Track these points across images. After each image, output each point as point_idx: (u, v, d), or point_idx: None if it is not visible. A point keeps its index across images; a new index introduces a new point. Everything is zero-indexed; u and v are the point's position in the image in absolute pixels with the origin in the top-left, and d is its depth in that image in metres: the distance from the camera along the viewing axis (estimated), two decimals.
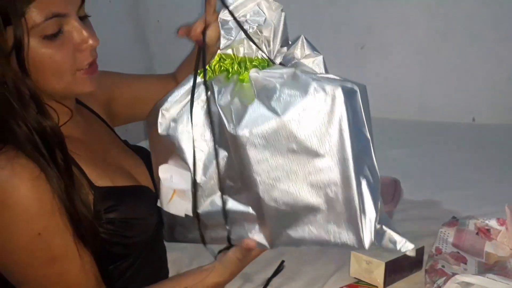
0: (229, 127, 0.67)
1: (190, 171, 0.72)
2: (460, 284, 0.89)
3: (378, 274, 0.94)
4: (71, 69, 0.71)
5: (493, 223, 1.09)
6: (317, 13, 2.19)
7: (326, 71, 0.77)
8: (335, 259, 1.07)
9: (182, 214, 0.76)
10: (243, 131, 0.66)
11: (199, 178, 0.73)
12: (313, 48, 0.79)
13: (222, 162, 0.71)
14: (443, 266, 0.95)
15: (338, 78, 0.70)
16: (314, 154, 0.65)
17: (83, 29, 0.71)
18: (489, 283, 0.85)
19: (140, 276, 0.84)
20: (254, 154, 0.66)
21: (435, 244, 1.06)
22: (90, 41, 0.71)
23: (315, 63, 0.77)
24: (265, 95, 0.67)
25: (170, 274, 1.03)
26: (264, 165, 0.66)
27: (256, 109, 0.66)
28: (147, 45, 2.58)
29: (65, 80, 0.72)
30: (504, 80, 1.96)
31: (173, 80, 0.99)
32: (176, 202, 0.76)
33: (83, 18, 0.73)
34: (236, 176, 0.70)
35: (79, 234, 0.72)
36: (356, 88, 0.69)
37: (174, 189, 0.75)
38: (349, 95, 0.66)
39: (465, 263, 0.99)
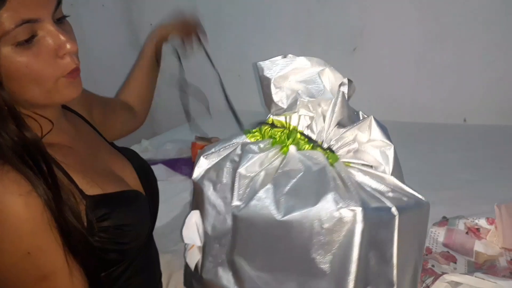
0: (233, 202, 0.63)
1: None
2: (449, 283, 0.89)
3: None
4: (52, 76, 0.67)
5: (482, 222, 1.10)
6: (309, 15, 2.20)
7: (397, 169, 0.66)
8: None
9: (192, 266, 0.75)
10: (243, 214, 0.62)
11: (211, 245, 0.69)
12: (385, 134, 0.68)
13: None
14: (433, 266, 0.96)
15: (399, 191, 0.61)
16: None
17: (60, 33, 0.65)
18: (477, 282, 0.86)
19: (134, 281, 0.84)
20: (242, 241, 0.62)
21: (425, 244, 1.06)
22: (68, 46, 0.66)
23: (383, 153, 0.66)
24: (285, 181, 0.62)
25: (162, 277, 1.03)
26: (251, 257, 0.63)
27: (263, 197, 0.61)
28: (141, 49, 2.57)
29: (46, 88, 0.67)
30: (494, 81, 1.98)
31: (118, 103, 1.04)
32: (193, 253, 0.76)
33: (61, 19, 0.68)
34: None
35: (70, 246, 0.70)
36: (395, 213, 0.58)
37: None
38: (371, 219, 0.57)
39: (455, 262, 1.00)
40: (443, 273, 0.90)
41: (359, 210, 0.57)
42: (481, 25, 1.93)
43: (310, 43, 2.24)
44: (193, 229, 0.75)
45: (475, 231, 1.09)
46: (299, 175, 0.62)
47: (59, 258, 0.69)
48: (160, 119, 2.52)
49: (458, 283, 0.89)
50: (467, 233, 1.09)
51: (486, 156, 1.66)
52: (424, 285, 0.89)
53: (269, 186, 0.62)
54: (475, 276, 0.86)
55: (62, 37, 0.65)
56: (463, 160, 1.63)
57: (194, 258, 0.76)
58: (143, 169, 0.92)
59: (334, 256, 0.57)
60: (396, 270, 0.61)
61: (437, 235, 1.10)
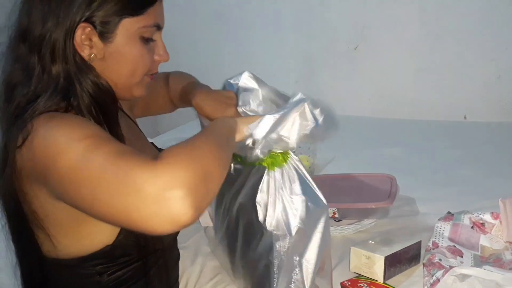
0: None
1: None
2: (457, 276, 0.91)
3: (378, 268, 0.96)
4: (143, 72, 0.80)
5: (487, 217, 1.12)
6: (310, 14, 2.22)
7: None
8: (335, 254, 1.09)
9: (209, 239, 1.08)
10: None
11: None
12: None
13: None
14: (440, 260, 0.98)
15: None
16: None
17: (164, 45, 0.82)
18: (486, 274, 0.88)
19: (154, 278, 0.87)
20: None
21: (431, 239, 1.08)
22: (165, 57, 0.82)
23: None
24: None
25: None
26: None
27: None
28: None
29: (135, 79, 0.80)
30: (494, 79, 2.00)
31: (165, 82, 1.07)
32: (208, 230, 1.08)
33: None
34: None
35: None
36: None
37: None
38: None
39: (461, 256, 1.02)
40: (451, 267, 0.92)
41: None
42: (481, 23, 1.96)
43: (311, 42, 2.26)
44: (206, 214, 1.02)
45: (480, 226, 1.11)
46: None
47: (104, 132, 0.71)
48: (164, 118, 2.53)
49: (465, 276, 0.92)
50: (472, 227, 1.11)
51: (487, 152, 1.69)
52: (434, 278, 0.91)
53: None
54: (484, 269, 0.88)
55: (164, 48, 0.82)
56: (465, 156, 1.65)
57: (209, 233, 1.07)
58: None
59: None
60: None
61: (443, 229, 1.11)
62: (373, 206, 1.17)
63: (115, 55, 0.76)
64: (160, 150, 0.98)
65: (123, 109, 0.93)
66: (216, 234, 1.02)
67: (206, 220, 1.04)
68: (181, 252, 1.16)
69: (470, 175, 1.49)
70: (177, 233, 0.94)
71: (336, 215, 1.19)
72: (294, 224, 0.81)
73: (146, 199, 0.57)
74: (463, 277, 0.91)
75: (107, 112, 0.76)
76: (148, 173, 0.58)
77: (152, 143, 1.00)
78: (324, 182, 1.38)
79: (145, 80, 0.82)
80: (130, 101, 0.98)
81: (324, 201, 0.86)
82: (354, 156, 1.68)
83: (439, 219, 1.16)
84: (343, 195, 1.26)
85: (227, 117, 0.81)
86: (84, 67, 0.74)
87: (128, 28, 0.75)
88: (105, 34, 0.74)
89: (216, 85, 1.13)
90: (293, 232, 0.81)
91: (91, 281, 0.79)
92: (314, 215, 0.84)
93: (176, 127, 2.19)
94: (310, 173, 1.51)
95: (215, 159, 0.65)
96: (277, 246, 0.82)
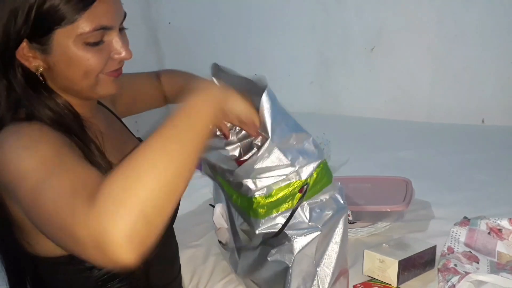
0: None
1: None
2: (473, 282, 0.90)
3: (391, 272, 0.95)
4: (96, 73, 0.76)
5: (504, 223, 1.10)
6: (327, 15, 2.21)
7: None
8: (348, 257, 1.08)
9: (223, 241, 1.07)
10: None
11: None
12: None
13: None
14: (455, 265, 0.96)
15: None
16: None
17: (121, 42, 0.76)
18: (503, 282, 0.86)
19: (151, 271, 0.86)
20: None
21: (447, 244, 1.07)
22: (123, 54, 0.76)
23: None
24: None
25: (185, 272, 1.05)
26: None
27: None
28: (159, 47, 2.60)
29: (90, 81, 0.76)
30: None
31: (157, 81, 1.08)
32: (221, 232, 1.07)
33: (121, 30, 0.79)
34: None
35: None
36: None
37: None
38: None
39: (477, 262, 1.00)
40: (467, 273, 0.90)
41: None
42: (500, 25, 1.92)
43: (327, 42, 2.25)
44: (219, 216, 1.05)
45: (497, 232, 1.09)
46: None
47: (65, 149, 0.69)
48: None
49: (481, 282, 0.90)
50: (489, 233, 1.09)
51: (505, 157, 1.65)
52: (449, 283, 0.90)
53: None
54: (501, 276, 0.86)
55: (122, 46, 0.76)
56: (482, 161, 1.62)
57: (223, 235, 1.06)
58: None
59: None
60: None
61: (459, 235, 1.10)
62: (387, 209, 1.16)
63: (60, 63, 0.74)
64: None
65: (104, 104, 0.94)
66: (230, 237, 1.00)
67: (219, 221, 1.04)
68: (192, 251, 1.17)
69: (487, 179, 1.47)
70: (171, 224, 0.94)
71: (350, 217, 1.18)
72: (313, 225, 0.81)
73: (85, 244, 0.54)
74: (479, 284, 0.89)
75: (69, 127, 0.75)
76: (83, 217, 0.54)
77: (139, 138, 0.99)
78: None
79: (105, 79, 0.77)
80: (111, 96, 0.97)
81: (343, 202, 0.85)
82: (369, 158, 1.67)
83: (455, 224, 1.14)
84: (357, 198, 1.25)
85: (209, 88, 0.70)
86: (32, 91, 0.74)
87: (64, 38, 0.71)
88: (42, 47, 0.72)
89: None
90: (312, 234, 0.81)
91: (83, 276, 0.80)
92: (333, 217, 0.83)
93: None
94: None
95: (165, 183, 0.56)
96: (294, 247, 0.81)
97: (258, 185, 0.80)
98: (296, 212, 0.81)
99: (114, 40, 0.75)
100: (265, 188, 0.80)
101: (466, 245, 1.06)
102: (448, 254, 1.03)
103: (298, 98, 2.21)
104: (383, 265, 0.96)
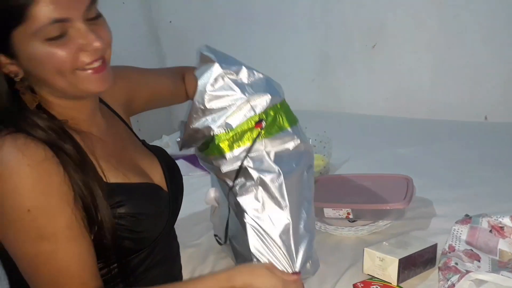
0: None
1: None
2: (473, 281, 0.89)
3: (391, 271, 0.95)
4: (71, 68, 0.72)
5: (506, 220, 1.09)
6: (328, 12, 2.20)
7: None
8: (348, 256, 1.08)
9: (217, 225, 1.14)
10: None
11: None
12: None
13: None
14: (456, 264, 0.96)
15: None
16: None
17: (88, 32, 0.71)
18: (503, 280, 0.85)
19: (153, 272, 0.86)
20: None
21: (448, 242, 1.06)
22: (95, 44, 0.72)
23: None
24: None
25: (184, 271, 1.05)
26: None
27: None
28: (160, 46, 2.60)
29: (67, 78, 0.73)
30: None
31: (181, 80, 1.05)
32: (216, 215, 1.14)
33: (96, 18, 0.74)
34: None
35: (94, 222, 0.74)
36: None
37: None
38: None
39: (479, 261, 0.99)
40: (468, 271, 0.89)
41: None
42: (501, 21, 1.91)
43: (328, 40, 2.24)
44: (209, 194, 1.12)
45: (499, 230, 1.08)
46: None
47: (61, 221, 0.71)
48: (181, 115, 2.55)
49: (482, 281, 0.89)
50: (490, 231, 1.08)
51: (508, 154, 1.64)
52: (449, 283, 0.89)
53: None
54: (501, 275, 0.86)
55: (90, 36, 0.71)
56: (483, 158, 1.61)
57: (215, 220, 1.14)
58: (170, 167, 0.95)
59: None
60: None
61: (460, 233, 1.09)
62: (388, 208, 1.15)
63: (30, 65, 0.72)
64: (148, 146, 0.97)
65: (111, 107, 0.92)
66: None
67: (209, 200, 1.12)
68: (192, 250, 1.17)
69: (489, 177, 1.46)
70: (171, 226, 0.94)
71: (351, 216, 1.18)
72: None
73: None
74: (480, 283, 0.89)
75: (60, 147, 0.73)
76: None
77: (143, 140, 0.99)
78: (338, 182, 1.36)
79: (85, 75, 0.74)
80: (125, 97, 0.97)
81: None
82: (370, 156, 1.66)
83: (456, 222, 1.13)
84: (357, 196, 1.25)
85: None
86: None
87: (23, 38, 0.69)
88: (7, 52, 0.71)
89: None
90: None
91: None
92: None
93: None
94: (325, 173, 1.50)
95: None
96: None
97: (217, 121, 0.91)
98: (262, 157, 0.90)
99: (79, 31, 0.71)
100: (224, 124, 0.91)
101: (468, 243, 1.06)
102: (449, 252, 1.02)
103: (300, 96, 2.20)
104: (383, 264, 0.95)
